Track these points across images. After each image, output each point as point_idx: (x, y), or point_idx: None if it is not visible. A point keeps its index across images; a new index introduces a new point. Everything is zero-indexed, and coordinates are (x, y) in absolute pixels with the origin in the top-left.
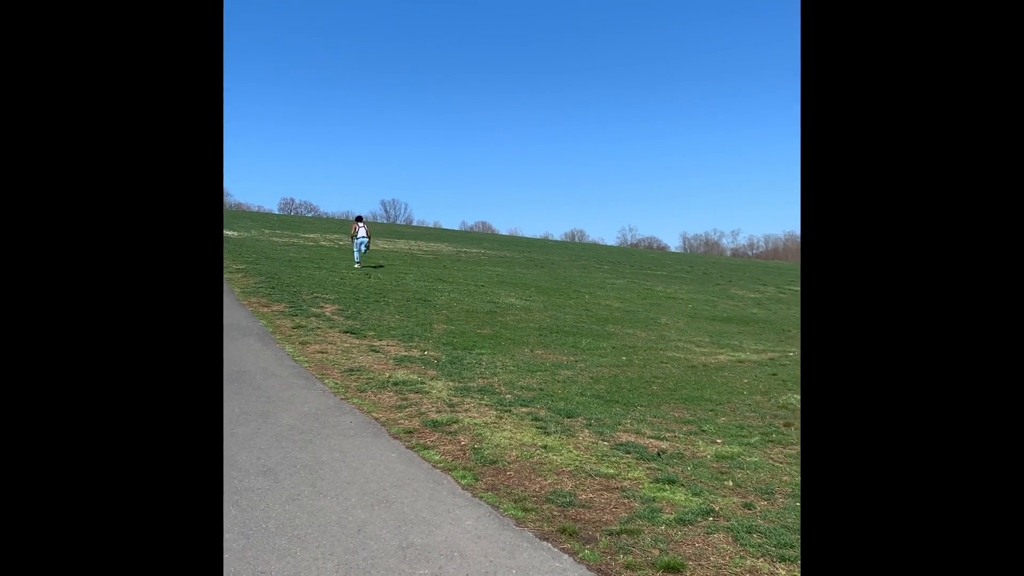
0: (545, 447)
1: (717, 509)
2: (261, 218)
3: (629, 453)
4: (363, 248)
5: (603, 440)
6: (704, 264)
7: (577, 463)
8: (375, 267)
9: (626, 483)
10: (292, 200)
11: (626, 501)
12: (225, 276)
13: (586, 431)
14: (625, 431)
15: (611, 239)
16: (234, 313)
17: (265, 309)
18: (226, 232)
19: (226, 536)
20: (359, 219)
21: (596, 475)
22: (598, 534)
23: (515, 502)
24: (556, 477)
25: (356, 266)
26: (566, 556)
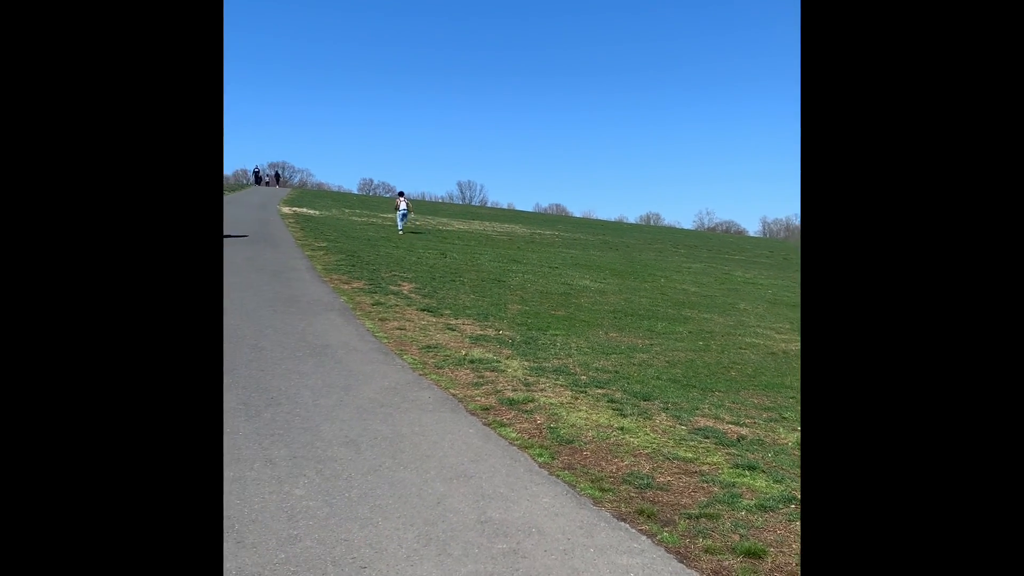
0: (622, 429)
1: (799, 497)
2: (341, 198)
3: (708, 438)
4: (403, 219)
5: (680, 424)
6: (785, 249)
7: (654, 446)
8: (414, 232)
9: (705, 467)
10: (371, 181)
11: (705, 485)
12: (307, 253)
13: (663, 414)
14: (703, 416)
15: (687, 223)
16: (317, 289)
17: (346, 286)
18: (308, 211)
19: (310, 504)
20: (401, 194)
21: (674, 458)
22: (676, 517)
23: (592, 482)
24: (633, 459)
25: (399, 233)
26: (644, 537)
